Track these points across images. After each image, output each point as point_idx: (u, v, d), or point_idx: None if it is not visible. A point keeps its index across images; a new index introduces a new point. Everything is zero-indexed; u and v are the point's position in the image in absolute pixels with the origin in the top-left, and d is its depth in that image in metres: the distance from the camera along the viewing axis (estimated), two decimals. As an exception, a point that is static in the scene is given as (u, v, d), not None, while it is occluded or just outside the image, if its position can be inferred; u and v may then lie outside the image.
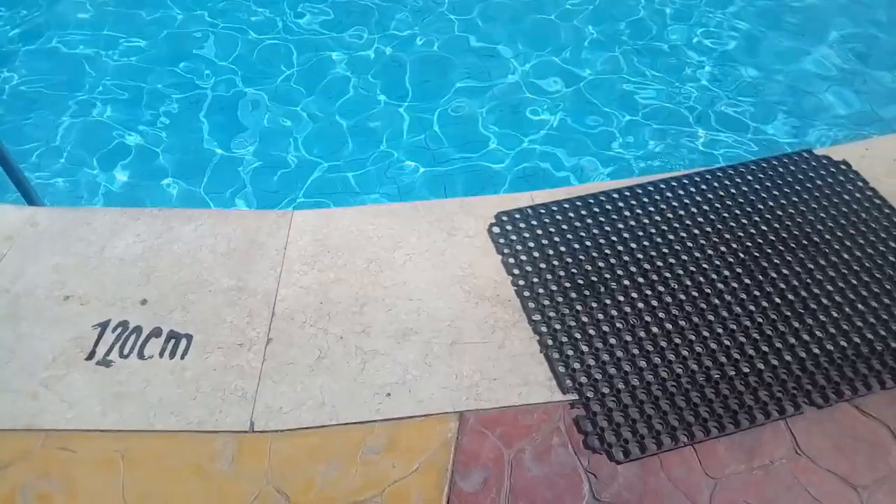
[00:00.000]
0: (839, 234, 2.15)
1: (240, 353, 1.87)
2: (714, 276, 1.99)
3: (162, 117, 3.34)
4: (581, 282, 1.98)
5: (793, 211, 2.23)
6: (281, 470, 1.64)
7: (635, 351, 1.79)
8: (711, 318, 1.88)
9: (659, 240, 2.10)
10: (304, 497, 1.59)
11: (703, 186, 2.32)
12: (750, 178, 2.37)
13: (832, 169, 2.41)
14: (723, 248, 2.08)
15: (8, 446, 1.68)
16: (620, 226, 2.14)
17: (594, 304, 1.91)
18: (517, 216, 2.19)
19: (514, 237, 2.12)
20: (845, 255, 2.08)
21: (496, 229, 2.16)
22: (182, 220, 2.23)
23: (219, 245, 2.15)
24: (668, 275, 1.99)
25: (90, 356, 1.87)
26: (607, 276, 1.99)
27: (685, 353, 1.79)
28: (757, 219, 2.19)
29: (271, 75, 3.52)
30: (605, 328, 1.85)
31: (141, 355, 1.87)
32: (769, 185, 2.33)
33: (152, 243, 2.15)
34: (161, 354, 1.88)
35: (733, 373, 1.75)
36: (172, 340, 1.91)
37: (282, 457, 1.66)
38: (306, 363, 1.84)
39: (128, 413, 1.75)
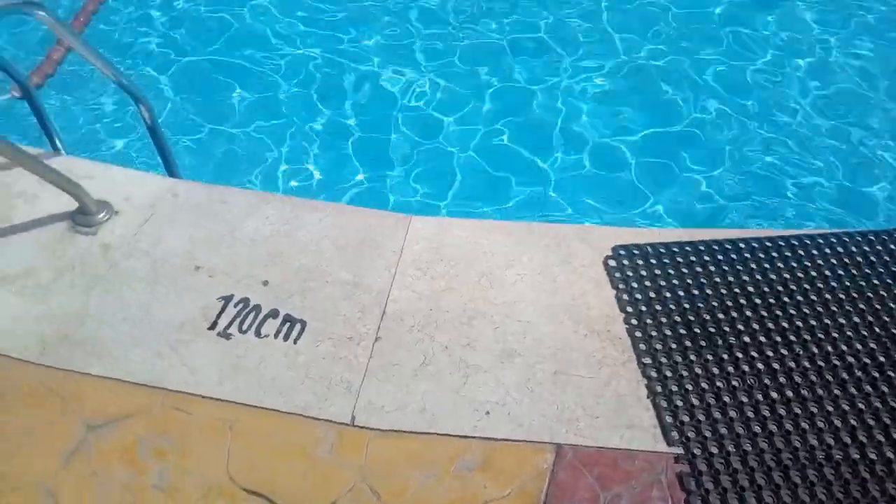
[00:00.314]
0: None
1: (349, 346, 1.94)
2: (845, 348, 1.87)
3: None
4: (698, 331, 1.91)
5: (940, 289, 2.06)
6: (376, 468, 1.68)
7: (750, 414, 1.71)
8: (838, 392, 1.76)
9: (787, 299, 1.99)
10: (395, 499, 1.62)
11: (840, 249, 2.18)
12: (893, 246, 2.21)
13: None
14: (857, 319, 1.95)
15: (134, 399, 1.82)
16: (746, 278, 2.05)
17: (710, 357, 1.84)
18: (636, 252, 2.14)
19: (630, 273, 2.08)
20: None
21: (612, 262, 2.13)
22: (308, 210, 2.33)
23: (340, 239, 2.23)
24: (793, 338, 1.88)
25: (212, 326, 1.99)
26: (727, 329, 1.91)
27: (805, 425, 1.69)
28: (898, 292, 2.04)
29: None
30: (720, 384, 1.78)
31: (258, 333, 1.97)
32: (915, 257, 2.16)
33: (280, 228, 2.26)
34: (276, 335, 1.97)
35: (857, 456, 1.63)
36: (288, 324, 2.00)
37: (378, 455, 1.70)
38: (411, 367, 1.88)
39: (242, 386, 1.84)
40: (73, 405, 1.80)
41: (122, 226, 2.25)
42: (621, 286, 2.05)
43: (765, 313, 1.95)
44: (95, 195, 2.26)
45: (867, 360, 1.84)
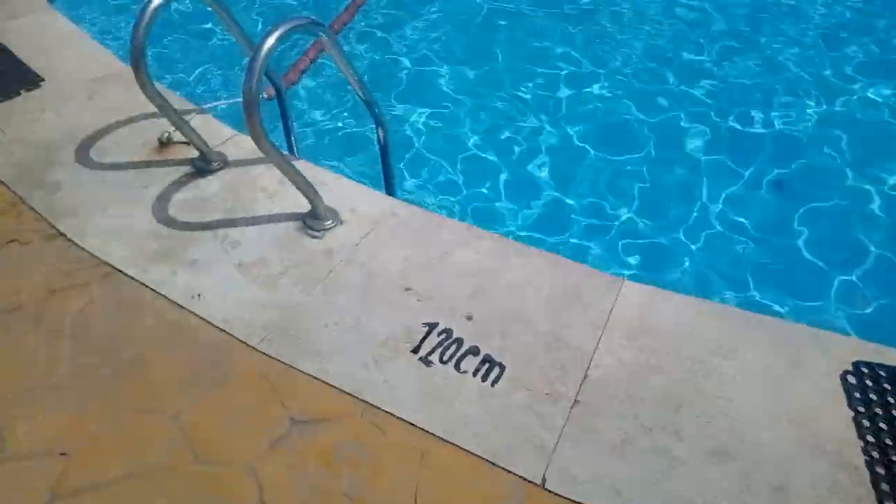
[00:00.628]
0: None
1: (545, 402, 1.87)
2: None
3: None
4: (961, 485, 1.62)
5: None
6: (563, 541, 1.59)
7: None
8: None
9: None
10: (582, 582, 1.52)
11: None
12: None
13: None
14: None
15: (336, 403, 1.88)
16: None
17: (975, 521, 1.55)
18: (882, 373, 1.88)
19: (874, 397, 1.82)
20: None
21: (852, 379, 1.88)
22: (517, 253, 2.33)
23: (546, 288, 2.19)
24: None
25: (415, 350, 2.02)
26: None
27: None
28: None
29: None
30: None
31: (457, 367, 1.97)
32: None
33: (488, 265, 2.27)
34: (474, 374, 1.96)
35: None
36: (487, 364, 1.98)
37: (567, 528, 1.62)
38: (609, 441, 1.77)
39: (436, 416, 1.84)
40: (283, 396, 1.90)
41: (345, 235, 2.38)
42: (861, 409, 1.80)
43: None
44: (326, 202, 2.43)
45: None
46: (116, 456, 1.77)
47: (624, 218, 3.17)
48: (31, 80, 3.17)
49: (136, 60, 2.22)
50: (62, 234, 2.37)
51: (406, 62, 4.16)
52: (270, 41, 1.93)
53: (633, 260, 2.93)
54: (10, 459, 1.75)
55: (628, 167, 3.43)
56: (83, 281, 2.20)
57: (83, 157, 2.72)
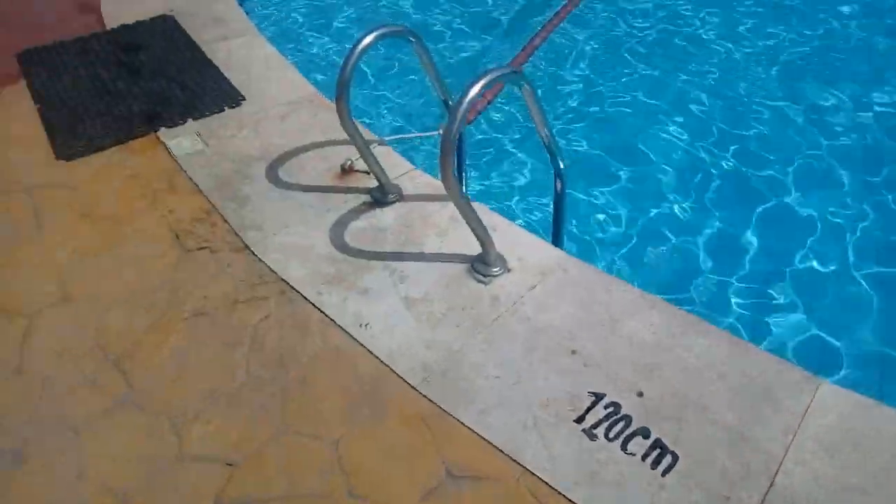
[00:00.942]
0: None
1: (724, 507, 1.68)
2: None
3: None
4: None
5: None
6: None
7: None
8: None
9: None
10: None
11: None
12: None
13: None
14: None
15: (493, 462, 1.81)
16: None
17: None
18: None
19: None
20: None
21: None
22: (698, 330, 2.14)
23: (730, 375, 1.99)
24: None
25: (579, 420, 1.90)
26: None
27: None
28: None
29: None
30: None
31: (624, 448, 1.83)
32: None
33: (662, 340, 2.11)
34: (643, 458, 1.80)
35: None
36: (658, 450, 1.81)
37: None
38: (801, 569, 1.55)
39: (599, 497, 1.71)
40: (440, 444, 1.85)
41: (512, 284, 2.32)
42: None
43: None
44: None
45: None
46: (277, 474, 1.80)
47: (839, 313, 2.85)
48: (234, 97, 3.45)
49: (341, 92, 2.33)
50: (248, 247, 2.52)
51: (583, 106, 4.10)
52: (476, 89, 1.94)
53: (837, 360, 2.61)
54: (184, 459, 1.84)
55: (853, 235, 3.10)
56: (263, 295, 2.31)
57: (273, 175, 2.90)
